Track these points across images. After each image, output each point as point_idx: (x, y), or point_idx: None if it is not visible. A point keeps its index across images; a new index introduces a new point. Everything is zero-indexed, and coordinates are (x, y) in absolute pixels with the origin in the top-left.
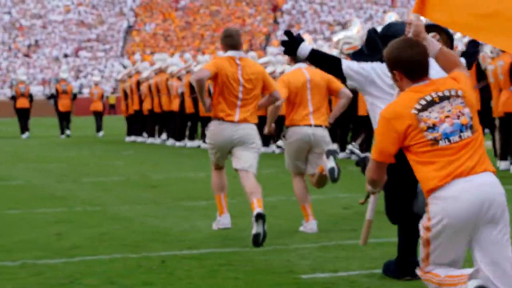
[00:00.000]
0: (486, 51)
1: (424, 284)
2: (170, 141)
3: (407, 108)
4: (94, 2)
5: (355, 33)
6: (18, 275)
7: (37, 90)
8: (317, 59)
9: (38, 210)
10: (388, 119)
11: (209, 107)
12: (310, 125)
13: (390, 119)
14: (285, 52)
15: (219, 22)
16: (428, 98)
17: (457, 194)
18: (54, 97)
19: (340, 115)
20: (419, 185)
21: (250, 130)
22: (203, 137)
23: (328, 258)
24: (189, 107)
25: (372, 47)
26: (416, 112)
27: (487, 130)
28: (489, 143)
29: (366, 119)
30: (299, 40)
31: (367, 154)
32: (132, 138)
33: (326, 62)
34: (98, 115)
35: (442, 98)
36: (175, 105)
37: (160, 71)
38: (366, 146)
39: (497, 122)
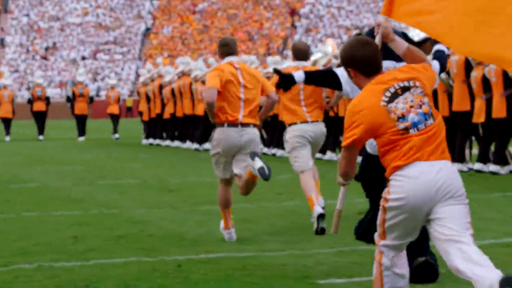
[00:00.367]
0: None
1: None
2: (187, 144)
3: (377, 100)
4: (112, 5)
5: (330, 51)
6: (34, 277)
7: (54, 93)
8: (313, 79)
9: (55, 213)
10: (357, 112)
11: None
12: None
13: (360, 112)
14: (285, 88)
15: (236, 25)
16: (392, 90)
17: (417, 174)
18: (71, 100)
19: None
20: None
21: (254, 136)
22: None
23: (344, 264)
24: None
25: None
26: (385, 104)
27: None
28: None
29: None
30: (288, 75)
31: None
32: (150, 140)
33: (323, 78)
34: (115, 118)
35: (404, 89)
36: (199, 109)
37: (183, 74)
38: None
39: None
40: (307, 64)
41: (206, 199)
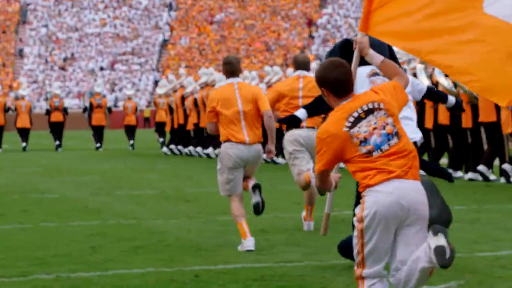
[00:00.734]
0: None
1: None
2: (209, 150)
3: (339, 127)
4: (130, 16)
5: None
6: None
7: (73, 104)
8: (314, 110)
9: (73, 223)
10: (324, 139)
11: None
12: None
13: (326, 139)
14: (293, 126)
15: (254, 36)
16: (355, 114)
17: (391, 190)
18: (88, 110)
19: None
20: None
21: (259, 153)
22: None
23: None
24: None
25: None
26: (347, 129)
27: None
28: None
29: None
30: (292, 118)
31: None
32: (171, 146)
33: (321, 105)
34: (131, 129)
35: (367, 113)
36: None
37: (206, 85)
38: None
39: None
40: (308, 74)
41: (224, 210)
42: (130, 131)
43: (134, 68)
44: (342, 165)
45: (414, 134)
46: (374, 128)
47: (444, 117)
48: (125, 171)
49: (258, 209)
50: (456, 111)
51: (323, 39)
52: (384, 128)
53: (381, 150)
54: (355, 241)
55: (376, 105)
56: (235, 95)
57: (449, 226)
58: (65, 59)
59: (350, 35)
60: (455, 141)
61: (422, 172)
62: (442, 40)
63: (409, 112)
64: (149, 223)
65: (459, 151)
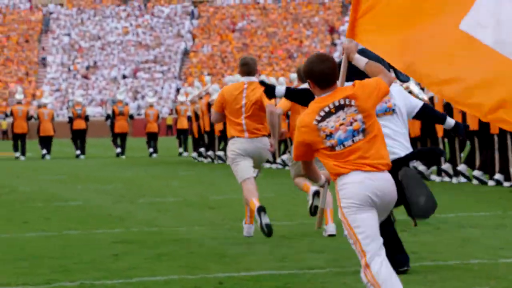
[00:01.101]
0: None
1: None
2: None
3: (311, 119)
4: (152, 24)
5: None
6: None
7: (95, 112)
8: (293, 95)
9: (96, 231)
10: (299, 128)
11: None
12: None
13: (300, 128)
14: (267, 96)
15: (276, 43)
16: (326, 109)
17: (362, 179)
18: (110, 118)
19: None
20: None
21: (261, 147)
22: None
23: None
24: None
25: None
26: (316, 123)
27: None
28: None
29: None
30: (272, 86)
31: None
32: (195, 154)
33: (301, 96)
34: (153, 136)
35: (338, 108)
36: None
37: None
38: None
39: None
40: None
41: None
42: (152, 138)
43: (156, 76)
44: None
45: (402, 150)
46: (341, 124)
47: (472, 122)
48: (147, 179)
49: (270, 228)
50: (455, 133)
51: None
52: (351, 125)
53: (343, 146)
54: (348, 234)
55: (347, 102)
56: (241, 93)
57: (433, 212)
58: (87, 68)
59: None
60: (482, 146)
61: (417, 164)
62: (423, 49)
63: (400, 126)
64: (172, 231)
65: (489, 157)
